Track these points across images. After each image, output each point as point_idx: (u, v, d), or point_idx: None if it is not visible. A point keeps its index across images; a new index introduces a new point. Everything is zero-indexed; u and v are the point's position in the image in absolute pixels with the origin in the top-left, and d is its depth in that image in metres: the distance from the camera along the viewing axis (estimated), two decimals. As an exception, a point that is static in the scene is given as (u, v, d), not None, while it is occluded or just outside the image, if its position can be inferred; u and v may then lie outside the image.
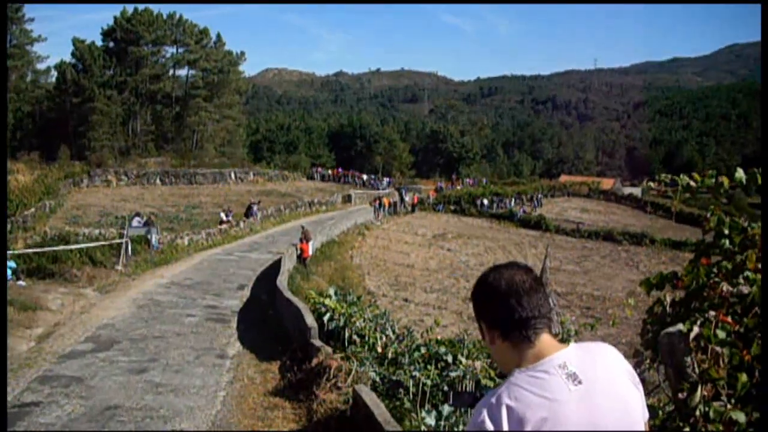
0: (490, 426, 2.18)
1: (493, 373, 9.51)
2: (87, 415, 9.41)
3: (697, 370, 3.14)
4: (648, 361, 3.84)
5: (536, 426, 2.14)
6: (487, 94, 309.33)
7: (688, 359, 3.18)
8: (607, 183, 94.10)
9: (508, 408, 2.18)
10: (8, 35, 70.30)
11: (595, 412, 2.21)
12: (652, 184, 4.71)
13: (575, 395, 2.20)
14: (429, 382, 9.00)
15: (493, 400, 2.23)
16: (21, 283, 20.24)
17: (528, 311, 2.32)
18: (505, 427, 2.16)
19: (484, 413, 2.22)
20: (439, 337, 13.50)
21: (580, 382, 2.23)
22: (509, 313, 2.34)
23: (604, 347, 2.42)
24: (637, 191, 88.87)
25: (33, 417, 9.24)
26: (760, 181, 3.60)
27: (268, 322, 17.25)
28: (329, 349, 11.59)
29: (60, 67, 71.68)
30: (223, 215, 39.86)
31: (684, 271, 3.73)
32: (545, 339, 2.34)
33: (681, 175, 4.14)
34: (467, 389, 9.29)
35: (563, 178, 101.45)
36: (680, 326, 3.24)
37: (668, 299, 3.78)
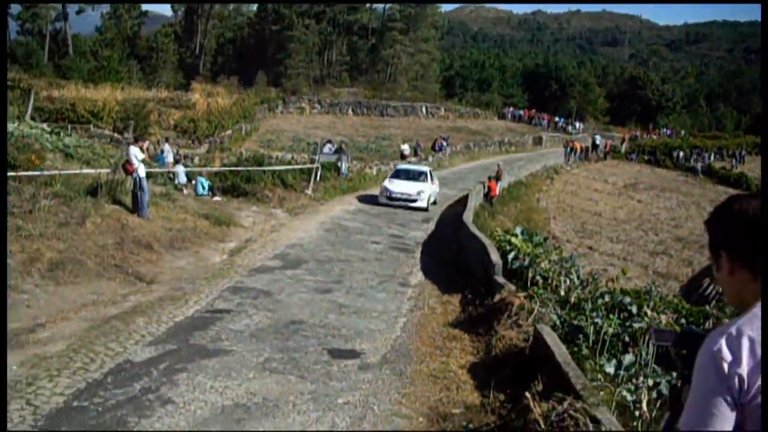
0: (728, 356, 2.04)
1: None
2: (273, 327, 9.69)
3: None
4: None
5: None
6: (694, 41, 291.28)
7: None
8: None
9: (751, 340, 2.04)
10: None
11: None
12: None
13: None
14: (611, 331, 8.60)
15: (733, 330, 2.08)
16: (217, 198, 21.21)
17: None
18: (746, 359, 2.03)
19: (722, 342, 2.06)
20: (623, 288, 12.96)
21: None
22: (756, 241, 2.15)
23: None
24: None
25: (224, 323, 9.61)
26: None
27: (451, 256, 17.19)
28: (512, 287, 11.36)
29: (261, -5, 74.20)
30: (406, 148, 39.93)
31: None
32: None
33: None
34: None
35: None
36: None
37: None
